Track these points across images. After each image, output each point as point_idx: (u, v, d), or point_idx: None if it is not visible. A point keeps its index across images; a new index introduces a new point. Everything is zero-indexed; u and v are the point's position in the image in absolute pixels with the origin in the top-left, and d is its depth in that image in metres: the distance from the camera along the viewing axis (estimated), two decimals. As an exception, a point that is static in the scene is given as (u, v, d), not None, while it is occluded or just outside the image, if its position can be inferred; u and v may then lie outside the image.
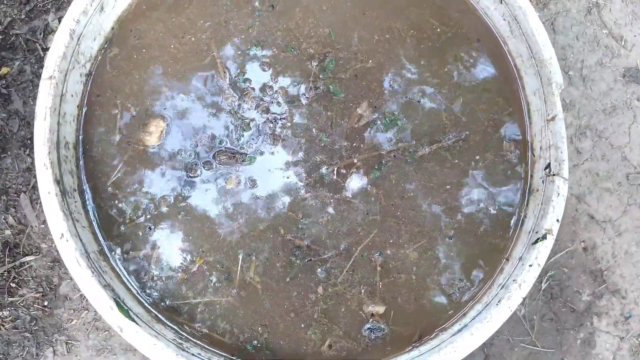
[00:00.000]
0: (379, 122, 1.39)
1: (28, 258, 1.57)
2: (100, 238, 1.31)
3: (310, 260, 1.31)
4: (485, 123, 1.40)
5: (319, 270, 1.30)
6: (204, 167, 1.35)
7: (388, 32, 1.44)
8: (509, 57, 1.42)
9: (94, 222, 1.32)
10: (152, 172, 1.34)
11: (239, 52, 1.41)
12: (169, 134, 1.37)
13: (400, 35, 1.44)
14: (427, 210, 1.34)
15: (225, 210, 1.33)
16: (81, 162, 1.36)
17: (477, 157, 1.37)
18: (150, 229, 1.32)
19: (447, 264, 1.32)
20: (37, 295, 1.56)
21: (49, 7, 1.69)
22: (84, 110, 1.38)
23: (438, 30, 1.45)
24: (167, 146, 1.36)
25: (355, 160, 1.37)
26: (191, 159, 1.35)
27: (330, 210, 1.34)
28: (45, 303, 1.56)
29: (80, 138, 1.37)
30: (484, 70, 1.43)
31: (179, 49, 1.40)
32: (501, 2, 1.37)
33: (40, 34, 1.67)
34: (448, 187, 1.36)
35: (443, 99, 1.41)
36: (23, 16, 1.68)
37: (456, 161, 1.37)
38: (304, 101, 1.39)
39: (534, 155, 1.33)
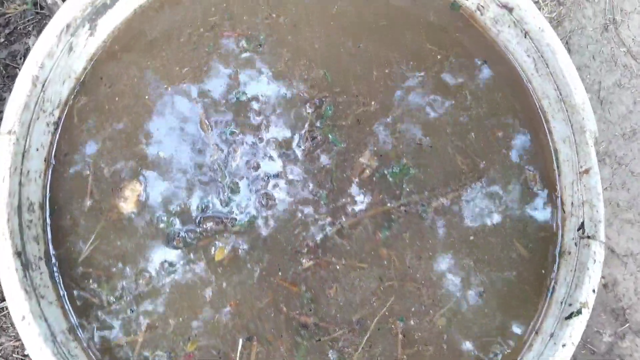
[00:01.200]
0: (385, 171, 1.22)
1: (6, 303, 1.40)
2: (71, 315, 1.13)
3: (320, 339, 1.14)
4: (506, 167, 1.23)
5: (331, 351, 1.14)
6: (188, 237, 1.17)
7: (387, 65, 1.26)
8: (533, 96, 1.25)
9: (63, 296, 1.13)
10: (130, 244, 1.16)
11: (224, 101, 1.22)
12: (147, 199, 1.18)
13: (399, 67, 1.26)
14: (450, 269, 1.18)
15: (217, 286, 1.15)
16: (48, 225, 1.17)
17: (500, 205, 1.21)
18: (132, 311, 1.14)
19: (481, 326, 1.16)
20: (17, 343, 1.41)
21: (30, 29, 1.52)
22: (52, 164, 1.18)
23: (439, 57, 1.27)
24: (145, 213, 1.17)
25: (362, 219, 1.20)
26: (173, 228, 1.17)
27: (338, 278, 1.17)
28: (26, 352, 1.41)
29: (47, 196, 1.18)
30: (501, 108, 1.26)
31: (154, 101, 1.21)
32: (525, 37, 1.19)
33: (20, 58, 1.52)
34: (471, 237, 1.19)
35: (457, 140, 1.24)
36: (2, 39, 1.52)
37: (477, 210, 1.21)
38: (299, 154, 1.21)
39: (564, 212, 1.17)
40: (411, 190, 1.21)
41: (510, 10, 1.21)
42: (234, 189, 1.19)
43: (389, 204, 1.20)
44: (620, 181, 1.56)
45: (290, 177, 1.20)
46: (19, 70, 1.46)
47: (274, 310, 1.15)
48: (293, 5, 1.29)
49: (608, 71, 1.57)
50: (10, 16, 1.53)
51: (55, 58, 1.16)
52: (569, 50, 1.55)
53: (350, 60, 1.25)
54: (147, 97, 1.21)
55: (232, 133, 1.21)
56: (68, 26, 1.15)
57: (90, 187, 1.18)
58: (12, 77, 1.50)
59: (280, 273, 1.16)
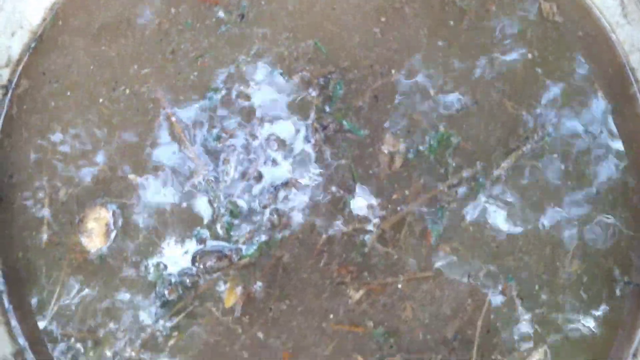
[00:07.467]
0: (421, 148, 0.91)
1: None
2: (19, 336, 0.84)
3: None
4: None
5: None
6: (183, 282, 0.85)
7: (384, 14, 0.95)
8: (618, 50, 0.95)
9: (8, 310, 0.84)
10: (107, 298, 0.85)
11: (201, 95, 0.92)
12: (119, 230, 0.87)
13: (402, 10, 0.96)
14: (549, 222, 0.88)
15: (250, 338, 0.84)
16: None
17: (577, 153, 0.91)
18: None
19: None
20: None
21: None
22: None
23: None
24: (120, 249, 0.86)
25: (404, 215, 0.89)
26: (161, 273, 0.86)
27: (408, 295, 0.85)
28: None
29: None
30: (567, 62, 0.96)
31: (110, 108, 0.90)
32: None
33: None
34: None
35: (502, 79, 0.93)
36: None
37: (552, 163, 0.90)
38: (310, 151, 0.90)
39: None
40: (459, 165, 0.90)
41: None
42: (234, 211, 0.88)
43: (434, 190, 0.89)
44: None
45: (304, 183, 0.89)
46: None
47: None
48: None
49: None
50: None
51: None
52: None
53: (340, 22, 0.95)
54: (101, 101, 0.90)
55: (217, 138, 0.90)
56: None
57: (47, 215, 0.87)
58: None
59: (332, 316, 0.85)
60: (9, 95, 0.90)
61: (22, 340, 0.84)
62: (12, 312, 0.85)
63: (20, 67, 0.91)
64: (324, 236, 0.87)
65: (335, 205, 0.88)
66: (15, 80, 0.91)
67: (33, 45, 0.92)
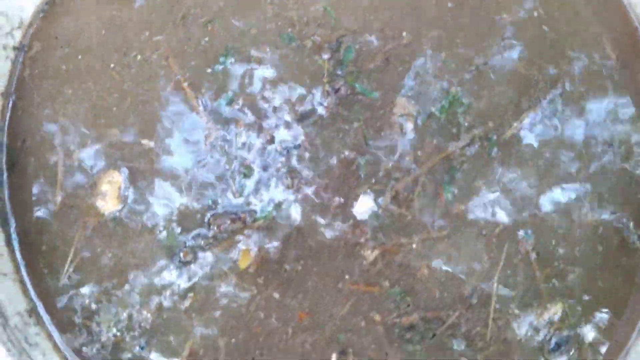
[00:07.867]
0: (432, 109, 0.90)
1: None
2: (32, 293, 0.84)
3: (434, 334, 0.83)
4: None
5: (455, 341, 0.83)
6: (197, 245, 0.85)
7: None
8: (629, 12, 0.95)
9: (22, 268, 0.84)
10: (121, 260, 0.85)
11: (212, 60, 0.92)
12: (132, 192, 0.87)
13: None
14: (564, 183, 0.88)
15: (265, 299, 0.84)
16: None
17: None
18: (142, 348, 0.82)
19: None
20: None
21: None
22: (10, 102, 0.88)
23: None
24: (134, 212, 0.86)
25: (417, 176, 0.88)
26: (176, 237, 0.86)
27: (424, 255, 0.85)
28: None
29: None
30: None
31: (121, 74, 0.90)
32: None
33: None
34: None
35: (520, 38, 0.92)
36: None
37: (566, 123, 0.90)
38: (322, 113, 0.90)
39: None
40: (471, 124, 0.90)
41: None
42: (247, 173, 0.88)
43: (445, 150, 0.89)
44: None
45: (316, 145, 0.89)
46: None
47: (364, 321, 0.83)
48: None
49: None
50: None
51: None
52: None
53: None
54: (112, 66, 0.90)
55: (230, 101, 0.90)
56: None
57: (60, 179, 0.87)
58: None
59: (347, 276, 0.85)
60: (22, 57, 0.90)
61: (36, 299, 0.84)
62: (27, 272, 0.85)
63: (32, 30, 0.91)
64: (337, 198, 0.87)
65: (347, 167, 0.88)
66: (27, 42, 0.91)
67: (45, 8, 0.92)
